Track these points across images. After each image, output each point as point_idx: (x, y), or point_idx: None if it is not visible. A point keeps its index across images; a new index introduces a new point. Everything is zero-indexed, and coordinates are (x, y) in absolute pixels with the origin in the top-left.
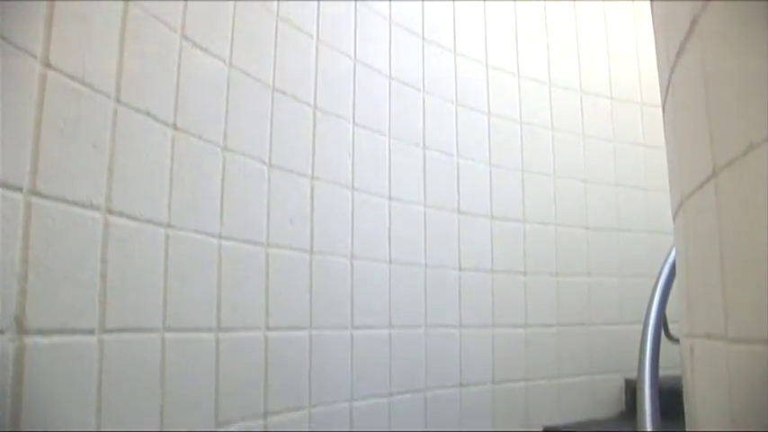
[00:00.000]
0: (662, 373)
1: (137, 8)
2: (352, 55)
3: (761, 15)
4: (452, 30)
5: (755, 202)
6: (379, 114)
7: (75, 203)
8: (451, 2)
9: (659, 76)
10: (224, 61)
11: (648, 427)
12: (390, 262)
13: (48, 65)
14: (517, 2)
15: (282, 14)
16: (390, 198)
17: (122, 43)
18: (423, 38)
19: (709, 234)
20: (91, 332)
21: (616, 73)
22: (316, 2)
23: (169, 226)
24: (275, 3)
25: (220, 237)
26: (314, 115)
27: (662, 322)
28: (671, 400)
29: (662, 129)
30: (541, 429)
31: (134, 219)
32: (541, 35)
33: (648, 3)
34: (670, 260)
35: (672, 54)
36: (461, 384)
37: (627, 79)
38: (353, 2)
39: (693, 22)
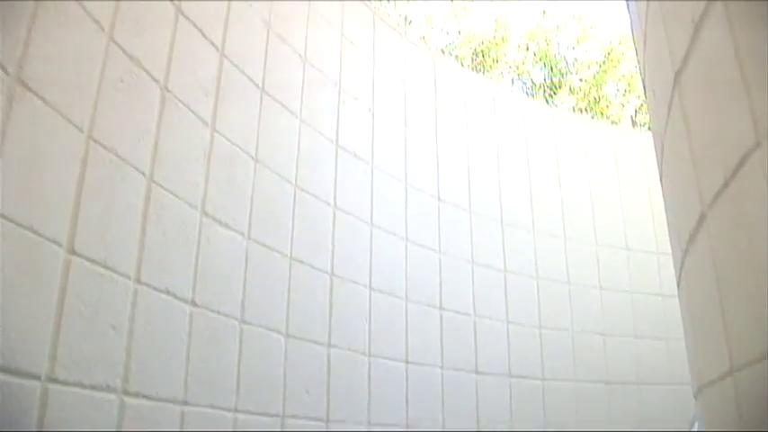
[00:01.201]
0: None
1: (159, 188)
2: (369, 220)
3: (763, 217)
4: (467, 189)
5: None
6: (396, 277)
7: (93, 387)
8: (465, 162)
9: (673, 256)
10: (242, 234)
11: None
12: (407, 426)
13: (72, 251)
14: (531, 160)
15: (300, 183)
16: (407, 362)
17: (144, 224)
18: (438, 198)
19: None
20: None
21: (631, 224)
22: (333, 169)
23: (185, 403)
24: (293, 172)
25: (236, 410)
26: (331, 282)
27: None
28: None
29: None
30: None
31: (150, 398)
32: (555, 190)
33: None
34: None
35: (683, 241)
36: None
37: (642, 229)
38: (369, 167)
39: (702, 217)
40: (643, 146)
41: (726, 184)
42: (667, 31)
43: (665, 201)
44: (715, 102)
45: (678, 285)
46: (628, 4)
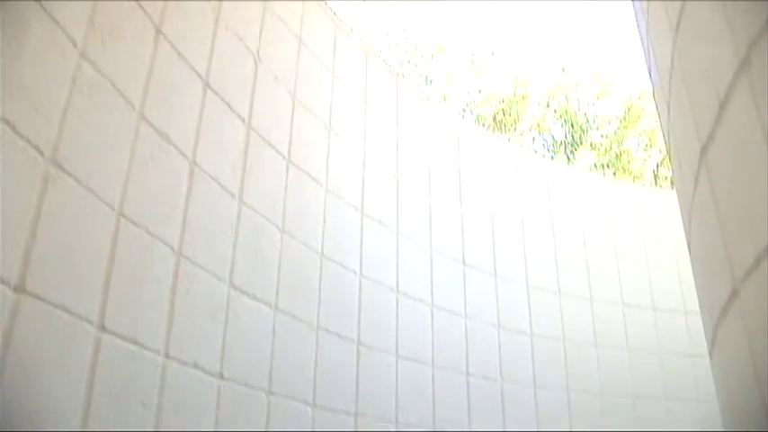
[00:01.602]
0: None
1: (187, 261)
2: (394, 287)
3: None
4: (492, 253)
5: None
6: (422, 344)
7: None
8: (490, 226)
9: (704, 326)
10: (270, 305)
11: None
12: None
13: (102, 329)
14: (555, 221)
15: (326, 252)
16: (434, 430)
17: (173, 298)
18: (463, 263)
19: None
20: None
21: (657, 283)
22: (359, 237)
23: None
24: (320, 241)
25: None
26: (357, 351)
27: None
28: None
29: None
30: None
31: None
32: (580, 251)
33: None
34: None
35: (715, 314)
36: None
37: (669, 289)
38: (395, 234)
39: (734, 292)
40: (667, 204)
41: (758, 261)
42: (692, 106)
43: (693, 271)
44: (743, 178)
45: (710, 356)
46: (650, 74)
